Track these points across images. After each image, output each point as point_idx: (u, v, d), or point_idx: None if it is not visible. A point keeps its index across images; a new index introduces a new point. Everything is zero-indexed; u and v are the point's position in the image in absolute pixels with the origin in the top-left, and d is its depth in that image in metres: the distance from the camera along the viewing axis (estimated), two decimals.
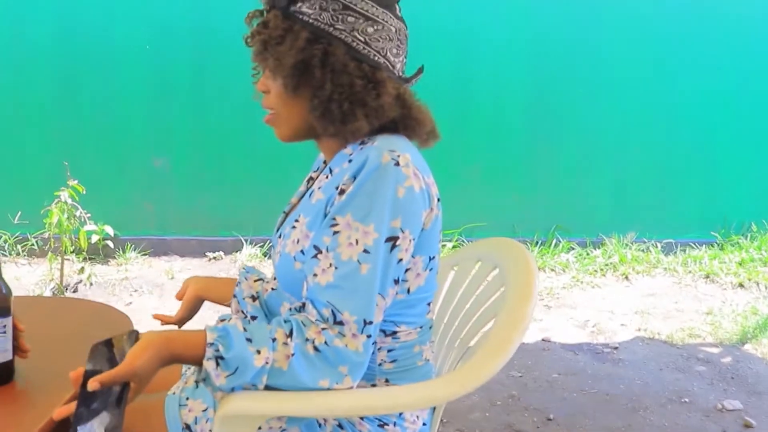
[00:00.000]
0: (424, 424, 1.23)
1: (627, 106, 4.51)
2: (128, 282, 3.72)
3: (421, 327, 1.19)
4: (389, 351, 1.16)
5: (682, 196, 4.64)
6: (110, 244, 3.86)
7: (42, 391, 1.13)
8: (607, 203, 4.59)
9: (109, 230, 3.74)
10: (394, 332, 1.15)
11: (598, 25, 4.40)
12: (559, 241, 4.40)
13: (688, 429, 2.47)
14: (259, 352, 1.00)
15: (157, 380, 1.12)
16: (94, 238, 3.74)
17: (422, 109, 1.18)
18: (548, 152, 4.50)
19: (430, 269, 1.16)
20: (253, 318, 1.26)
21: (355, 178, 1.05)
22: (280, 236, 1.19)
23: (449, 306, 1.46)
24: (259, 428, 1.15)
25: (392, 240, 1.05)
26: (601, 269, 4.16)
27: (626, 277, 4.09)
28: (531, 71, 4.40)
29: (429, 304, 1.21)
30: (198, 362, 1.02)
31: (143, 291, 3.64)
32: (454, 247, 4.25)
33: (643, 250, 4.39)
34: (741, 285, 3.99)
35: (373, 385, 1.16)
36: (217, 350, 1.00)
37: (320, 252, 1.05)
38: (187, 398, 1.20)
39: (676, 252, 4.43)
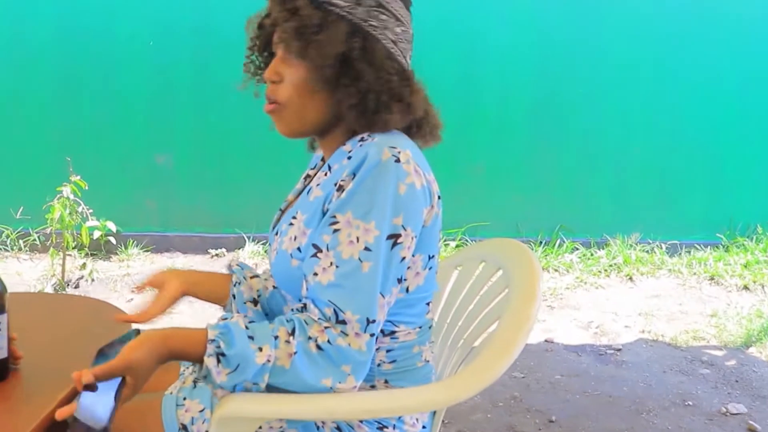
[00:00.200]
0: (423, 427, 1.21)
1: (631, 106, 4.49)
2: (130, 278, 3.71)
3: (420, 327, 1.18)
4: (388, 351, 1.14)
5: (686, 197, 4.61)
6: (112, 240, 3.85)
7: (37, 389, 1.11)
8: (612, 204, 4.57)
9: (111, 226, 3.73)
10: (393, 332, 1.14)
11: (602, 26, 4.37)
12: (563, 242, 4.38)
13: None
14: (261, 349, 0.99)
15: (154, 380, 1.10)
16: (96, 234, 3.73)
17: (437, 113, 1.19)
18: (552, 152, 4.48)
19: (430, 268, 1.14)
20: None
21: (354, 174, 1.04)
22: (276, 233, 1.17)
23: (452, 306, 1.44)
24: (259, 428, 1.14)
25: (394, 237, 1.04)
26: (605, 270, 4.13)
27: (630, 278, 4.06)
28: (535, 71, 4.38)
29: (428, 304, 1.19)
30: (198, 359, 1.00)
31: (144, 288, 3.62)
32: (457, 246, 4.23)
33: (647, 251, 4.37)
34: (746, 287, 3.97)
35: (372, 386, 1.15)
36: (219, 347, 0.98)
37: (320, 251, 1.04)
38: (185, 398, 1.19)
39: (680, 253, 4.40)
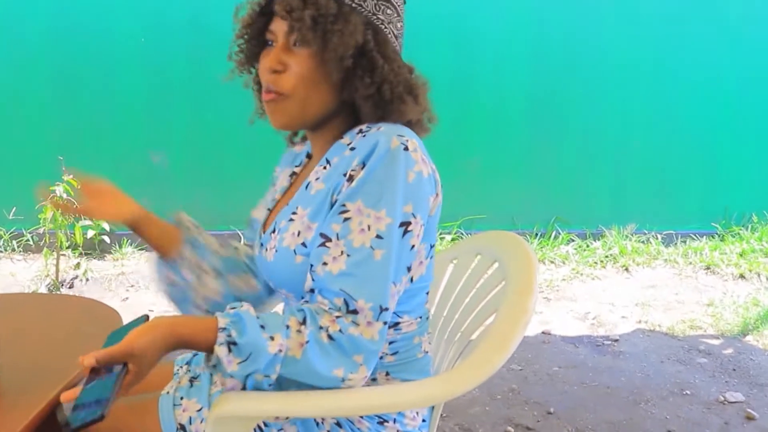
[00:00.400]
0: (423, 421, 1.20)
1: (627, 97, 4.48)
2: (124, 277, 3.70)
3: (420, 317, 1.17)
4: (391, 343, 1.13)
5: (682, 187, 4.62)
6: (106, 239, 3.83)
7: (28, 388, 1.10)
8: (607, 195, 4.57)
9: (105, 225, 3.72)
10: (397, 323, 1.13)
11: (599, 18, 4.36)
12: (559, 233, 4.38)
13: (690, 422, 2.45)
14: (272, 338, 0.97)
15: (150, 379, 1.09)
16: (90, 234, 3.71)
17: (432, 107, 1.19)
18: (548, 144, 4.47)
19: (431, 257, 1.14)
20: (219, 274, 1.25)
21: (364, 164, 1.03)
22: (274, 231, 1.15)
23: (448, 300, 1.44)
24: (258, 426, 1.13)
25: (405, 225, 1.03)
26: (601, 261, 4.13)
27: (626, 269, 4.07)
28: (531, 63, 4.37)
29: (427, 293, 1.18)
30: (207, 348, 0.97)
31: (140, 286, 3.61)
32: (453, 239, 4.23)
33: (643, 242, 4.37)
34: (742, 276, 3.97)
35: (373, 379, 1.13)
36: (230, 335, 0.96)
37: (329, 240, 1.02)
38: (182, 398, 1.17)
39: (676, 243, 4.41)
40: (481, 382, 1.07)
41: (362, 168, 1.03)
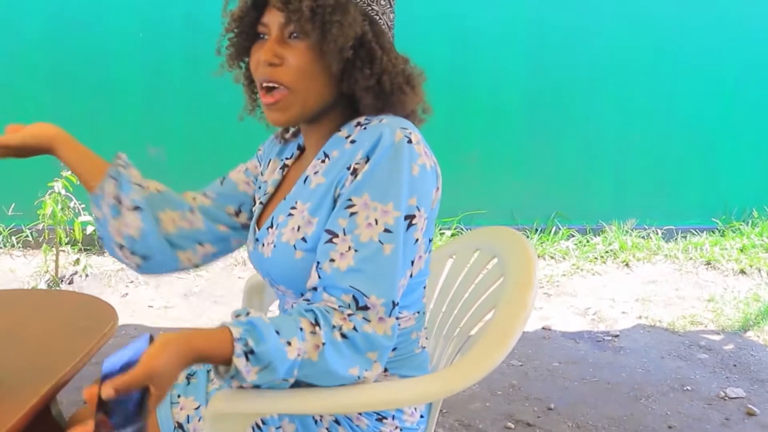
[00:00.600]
0: (422, 416, 1.20)
1: (627, 92, 4.47)
2: (124, 273, 3.69)
3: (418, 312, 1.16)
4: None
5: (682, 183, 4.60)
6: None
7: (20, 384, 1.09)
8: (607, 190, 4.56)
9: None
10: (396, 319, 1.11)
11: (598, 12, 4.35)
12: (559, 229, 4.37)
13: (691, 417, 2.44)
14: (289, 343, 0.94)
15: None
16: (89, 229, 3.70)
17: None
18: (547, 139, 4.46)
19: (429, 252, 1.13)
20: (137, 208, 1.18)
21: (368, 157, 1.01)
22: (271, 226, 1.12)
23: (447, 296, 1.43)
24: (256, 423, 1.12)
25: (410, 218, 1.01)
26: (602, 256, 4.13)
27: (627, 265, 4.06)
28: (530, 57, 4.36)
29: (424, 288, 1.17)
30: (224, 360, 0.93)
31: (139, 282, 3.61)
32: (452, 234, 4.22)
33: (643, 237, 4.36)
34: (742, 271, 3.96)
35: None
36: (246, 344, 0.92)
37: (336, 236, 1.00)
38: (179, 396, 1.17)
39: (676, 239, 4.40)
40: (481, 378, 1.06)
41: (366, 161, 1.01)
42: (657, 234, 4.39)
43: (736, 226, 4.52)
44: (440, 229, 4.19)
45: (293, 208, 1.09)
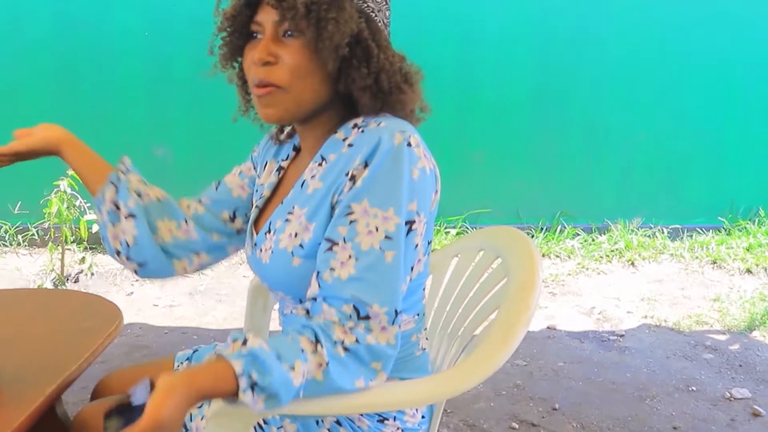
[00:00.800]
0: (423, 417, 1.19)
1: (633, 91, 4.45)
2: (129, 272, 3.70)
3: (417, 315, 1.16)
4: None
5: (688, 181, 4.59)
6: None
7: (25, 384, 1.10)
8: (613, 188, 4.54)
9: None
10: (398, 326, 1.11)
11: (604, 10, 4.33)
12: (565, 227, 4.36)
13: (696, 418, 2.43)
14: (293, 368, 0.92)
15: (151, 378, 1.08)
16: (95, 228, 3.71)
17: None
18: (553, 137, 4.45)
19: (428, 254, 1.12)
20: (132, 216, 1.19)
21: (367, 162, 0.99)
22: (269, 231, 1.11)
23: (451, 296, 1.42)
24: (258, 424, 1.12)
25: (410, 224, 1.00)
26: (607, 255, 4.11)
27: (632, 264, 4.05)
28: (536, 55, 4.34)
29: (423, 290, 1.17)
30: (230, 395, 0.91)
31: (144, 281, 3.61)
32: (458, 233, 4.21)
33: (649, 236, 4.35)
34: (749, 271, 3.95)
35: None
36: (251, 377, 0.90)
37: (335, 244, 0.99)
38: None
39: (682, 237, 4.38)
40: (484, 379, 1.06)
41: (365, 167, 0.99)
42: (663, 233, 4.38)
43: (743, 224, 4.50)
44: (445, 228, 4.18)
45: (290, 213, 1.08)
